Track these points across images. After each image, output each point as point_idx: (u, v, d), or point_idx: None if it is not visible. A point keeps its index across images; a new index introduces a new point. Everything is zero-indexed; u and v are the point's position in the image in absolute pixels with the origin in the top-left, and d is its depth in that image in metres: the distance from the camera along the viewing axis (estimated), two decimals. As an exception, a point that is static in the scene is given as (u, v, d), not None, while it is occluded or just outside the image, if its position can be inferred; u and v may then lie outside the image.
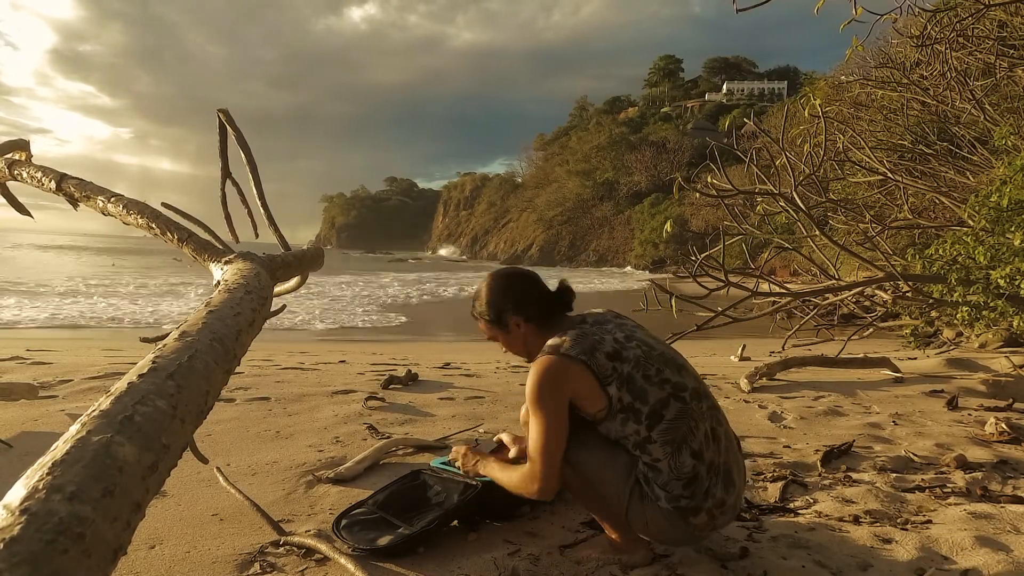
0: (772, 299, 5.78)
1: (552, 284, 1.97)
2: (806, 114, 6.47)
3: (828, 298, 6.46)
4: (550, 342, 1.80)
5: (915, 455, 3.06)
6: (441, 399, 4.21)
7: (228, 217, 2.51)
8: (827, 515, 2.29)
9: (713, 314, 5.06)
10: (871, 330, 6.65)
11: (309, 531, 2.09)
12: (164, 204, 2.29)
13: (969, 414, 3.99)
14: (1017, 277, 4.26)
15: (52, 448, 0.85)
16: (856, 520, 2.23)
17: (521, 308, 1.88)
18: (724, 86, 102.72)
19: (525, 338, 1.89)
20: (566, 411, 1.74)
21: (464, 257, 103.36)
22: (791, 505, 2.43)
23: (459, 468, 2.13)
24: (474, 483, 2.12)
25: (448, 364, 6.07)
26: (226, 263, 1.89)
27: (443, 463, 2.34)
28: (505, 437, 2.25)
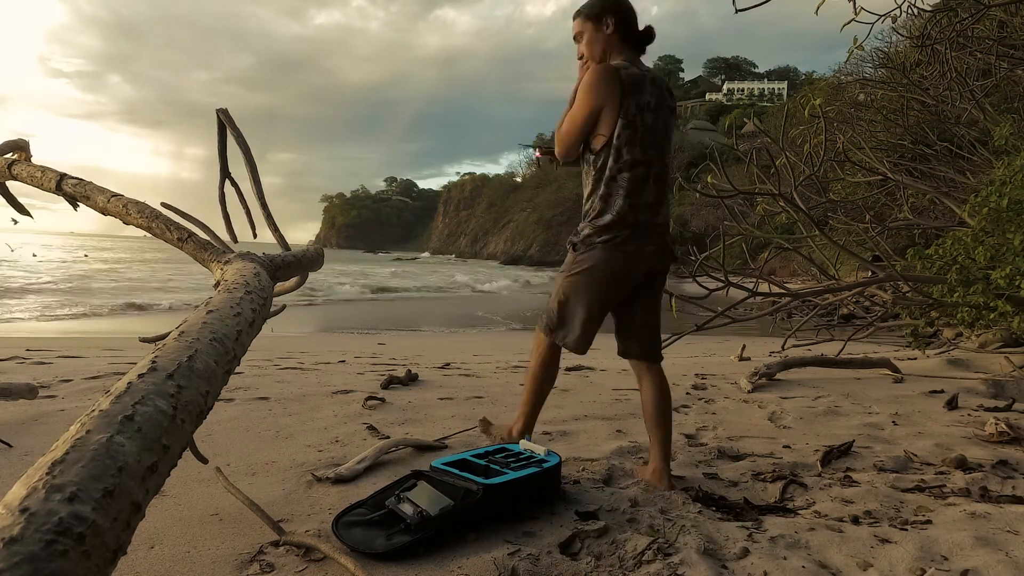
0: (772, 299, 5.78)
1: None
2: (806, 114, 6.47)
3: (828, 298, 6.46)
4: (618, 61, 2.31)
5: (915, 455, 3.06)
6: (441, 399, 4.21)
7: (226, 217, 2.51)
8: (827, 515, 2.29)
9: (713, 314, 5.07)
10: (871, 330, 6.66)
11: (309, 531, 2.09)
12: (164, 204, 2.29)
13: (969, 414, 3.99)
14: (1017, 277, 4.27)
15: (52, 448, 0.85)
16: (856, 520, 2.23)
17: (618, 11, 2.35)
18: (724, 86, 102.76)
19: (605, 43, 2.34)
20: (599, 111, 2.24)
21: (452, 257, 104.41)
22: (791, 505, 2.43)
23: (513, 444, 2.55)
24: (475, 488, 2.12)
25: (448, 364, 6.07)
26: (226, 263, 1.89)
27: (444, 464, 2.34)
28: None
